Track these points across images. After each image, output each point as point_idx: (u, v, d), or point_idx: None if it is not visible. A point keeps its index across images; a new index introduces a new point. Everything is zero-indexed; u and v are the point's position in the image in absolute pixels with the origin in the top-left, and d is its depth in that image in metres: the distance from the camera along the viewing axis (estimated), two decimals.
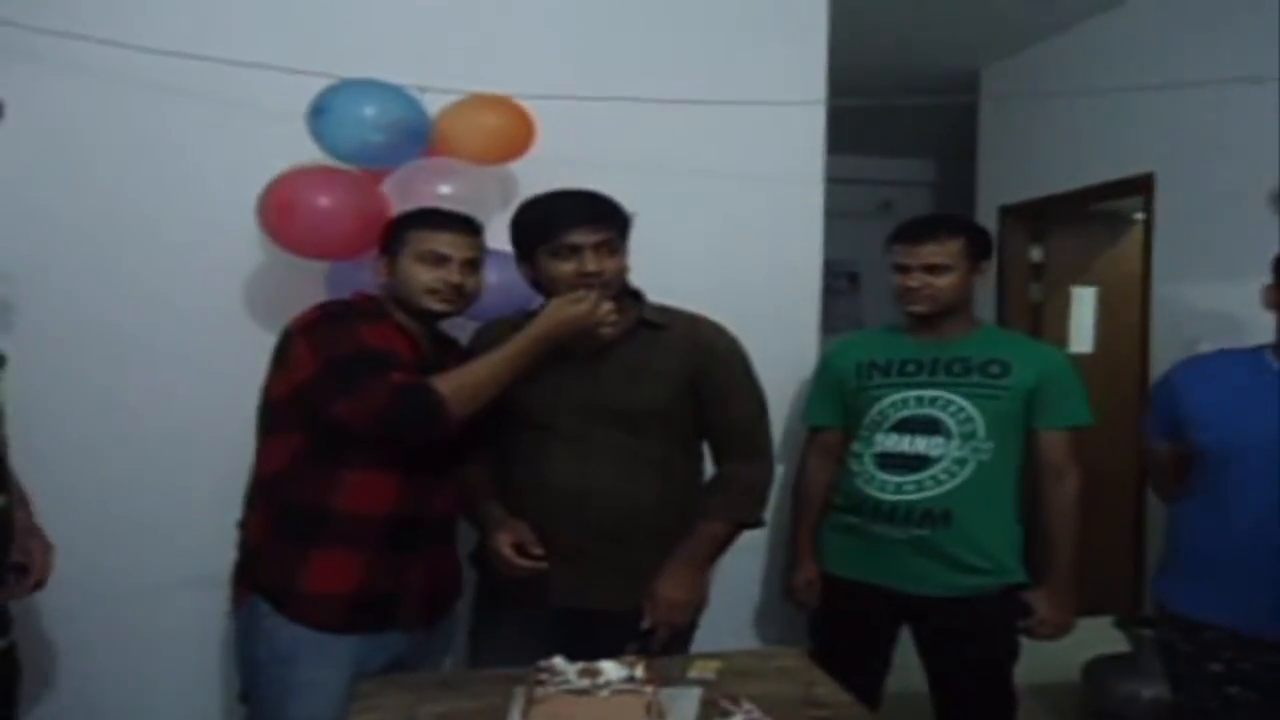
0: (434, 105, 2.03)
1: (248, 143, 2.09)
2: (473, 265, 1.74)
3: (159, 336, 2.12)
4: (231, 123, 2.12)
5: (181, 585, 2.10)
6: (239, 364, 1.81)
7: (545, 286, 1.75)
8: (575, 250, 1.68)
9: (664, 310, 1.83)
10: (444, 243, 1.70)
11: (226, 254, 2.12)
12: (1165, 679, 1.95)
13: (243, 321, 2.13)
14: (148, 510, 2.13)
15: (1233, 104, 2.84)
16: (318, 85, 1.92)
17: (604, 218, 1.71)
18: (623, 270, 1.75)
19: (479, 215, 1.82)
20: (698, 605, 1.80)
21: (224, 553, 1.73)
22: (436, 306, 1.71)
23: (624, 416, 1.75)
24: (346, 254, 1.93)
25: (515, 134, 2.06)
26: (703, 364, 1.78)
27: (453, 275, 1.70)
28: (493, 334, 1.79)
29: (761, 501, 1.85)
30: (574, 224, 1.69)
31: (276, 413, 1.68)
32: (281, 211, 1.89)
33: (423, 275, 1.69)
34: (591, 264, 1.68)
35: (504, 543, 1.71)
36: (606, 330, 1.71)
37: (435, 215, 1.75)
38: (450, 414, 1.57)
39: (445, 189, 1.92)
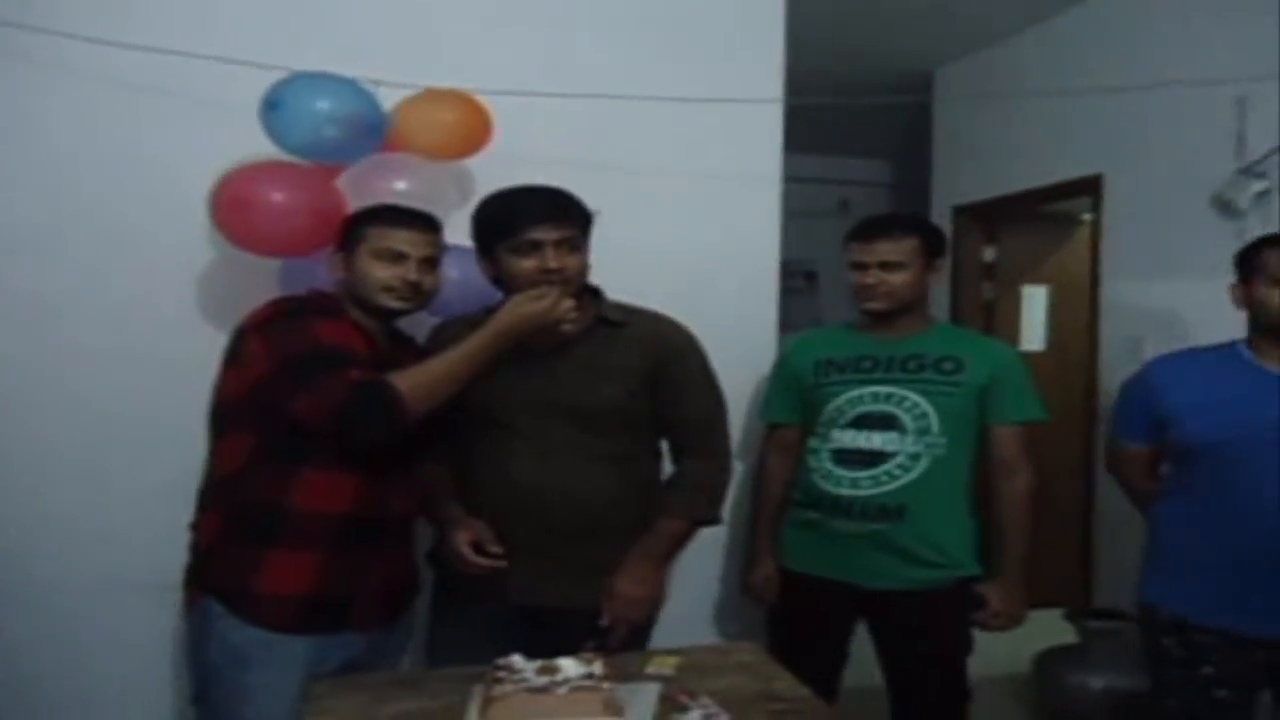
0: (391, 100, 2.00)
1: (202, 136, 2.04)
2: (431, 263, 1.72)
3: (110, 333, 2.06)
4: (185, 116, 2.07)
5: (133, 585, 2.05)
6: (192, 362, 1.78)
7: (506, 283, 1.74)
8: (536, 246, 1.68)
9: (623, 308, 1.83)
10: (402, 240, 1.68)
11: (179, 250, 2.07)
12: (1147, 680, 1.96)
13: (195, 319, 2.09)
14: (99, 509, 2.08)
15: (1179, 108, 2.92)
16: (273, 79, 1.88)
17: (566, 214, 1.71)
18: (584, 267, 1.75)
19: (436, 211, 1.81)
20: (656, 602, 1.80)
21: (176, 553, 1.70)
22: (394, 304, 1.69)
23: (582, 414, 1.75)
24: (300, 250, 1.90)
25: (472, 129, 2.04)
26: (661, 361, 1.78)
27: (410, 273, 1.68)
28: (452, 332, 1.77)
29: (719, 499, 1.86)
30: (535, 220, 1.68)
31: (230, 412, 1.65)
32: (234, 208, 1.85)
33: (380, 272, 1.67)
34: (553, 260, 1.68)
35: (463, 541, 1.70)
36: (567, 327, 1.70)
37: (393, 212, 1.73)
38: (408, 411, 1.55)
39: (401, 184, 1.89)
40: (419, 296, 1.71)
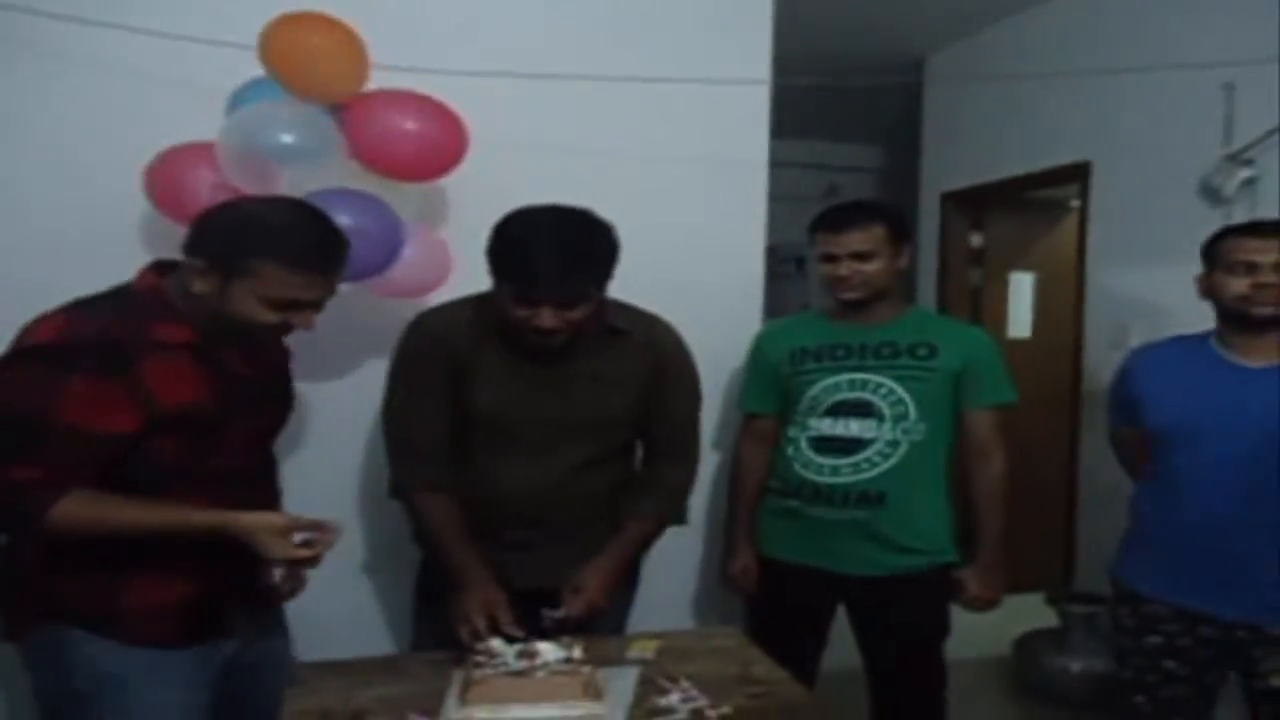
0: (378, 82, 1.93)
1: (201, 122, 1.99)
2: (321, 306, 1.48)
3: None
4: (187, 102, 1.97)
5: None
6: None
7: (497, 298, 1.66)
8: (536, 303, 1.59)
9: (625, 312, 1.80)
10: (303, 287, 1.41)
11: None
12: (1111, 653, 2.04)
13: None
14: None
15: (1167, 94, 2.92)
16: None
17: (577, 286, 1.60)
18: (587, 315, 1.64)
19: (325, 166, 1.71)
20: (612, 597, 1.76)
21: None
22: (266, 339, 1.50)
23: (590, 425, 1.76)
24: None
25: (344, 61, 1.81)
26: (657, 367, 1.79)
27: (305, 320, 1.45)
28: (439, 325, 1.73)
29: (687, 501, 1.90)
30: (546, 292, 1.57)
31: None
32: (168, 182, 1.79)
33: (267, 317, 1.41)
34: (549, 320, 1.60)
35: (477, 611, 1.56)
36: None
37: (299, 249, 1.39)
38: (52, 535, 1.34)
39: (289, 139, 1.72)
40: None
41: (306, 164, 1.75)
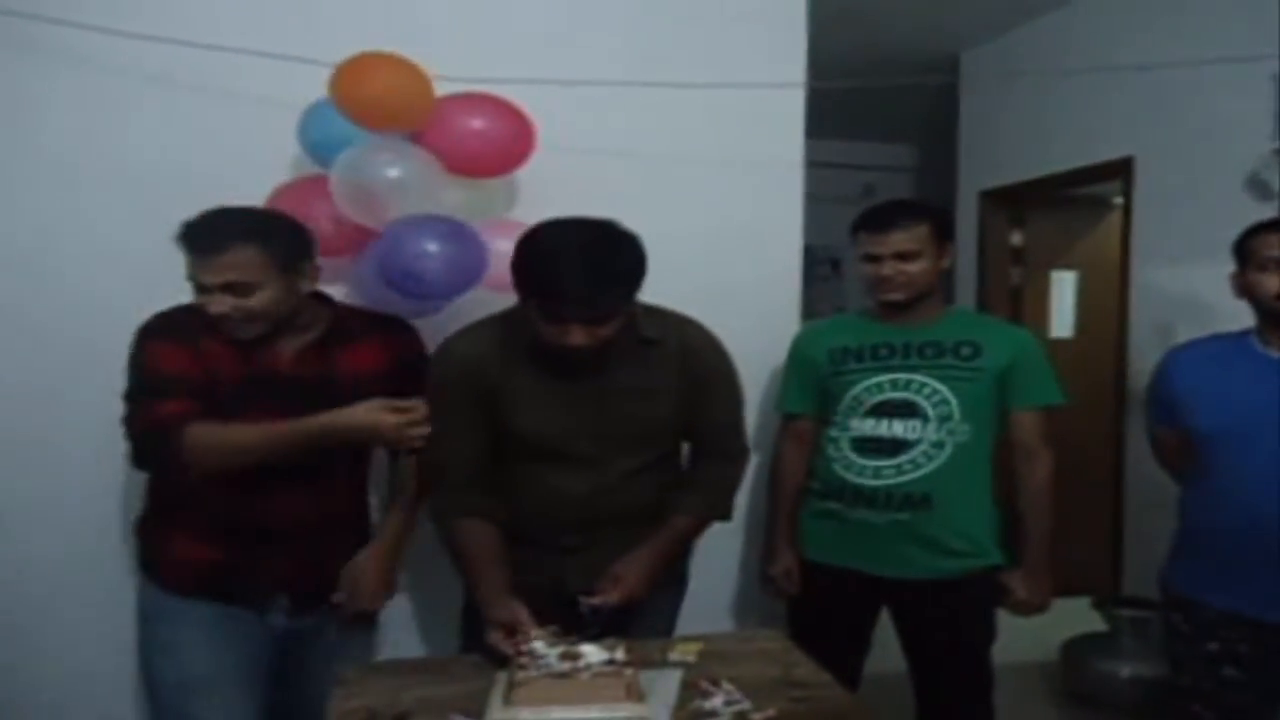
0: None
1: (220, 130, 2.02)
2: (238, 288, 1.57)
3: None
4: (202, 109, 2.05)
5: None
6: None
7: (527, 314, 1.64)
8: (564, 321, 1.58)
9: (655, 318, 1.77)
10: (196, 268, 1.57)
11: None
12: (1166, 660, 2.00)
13: None
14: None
15: (1212, 87, 2.86)
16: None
17: (606, 303, 1.58)
18: (618, 329, 1.63)
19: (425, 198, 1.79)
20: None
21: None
22: (228, 331, 1.61)
23: (635, 438, 1.76)
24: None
25: (410, 97, 1.87)
26: (694, 372, 1.77)
27: (212, 304, 1.57)
28: (472, 343, 1.72)
29: (733, 497, 1.89)
30: (574, 311, 1.56)
31: None
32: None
33: (196, 298, 1.61)
34: (578, 338, 1.58)
35: (499, 628, 1.58)
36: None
37: (189, 232, 1.57)
38: (188, 465, 1.57)
39: (394, 173, 1.82)
40: (255, 320, 1.61)
41: (410, 192, 1.85)
